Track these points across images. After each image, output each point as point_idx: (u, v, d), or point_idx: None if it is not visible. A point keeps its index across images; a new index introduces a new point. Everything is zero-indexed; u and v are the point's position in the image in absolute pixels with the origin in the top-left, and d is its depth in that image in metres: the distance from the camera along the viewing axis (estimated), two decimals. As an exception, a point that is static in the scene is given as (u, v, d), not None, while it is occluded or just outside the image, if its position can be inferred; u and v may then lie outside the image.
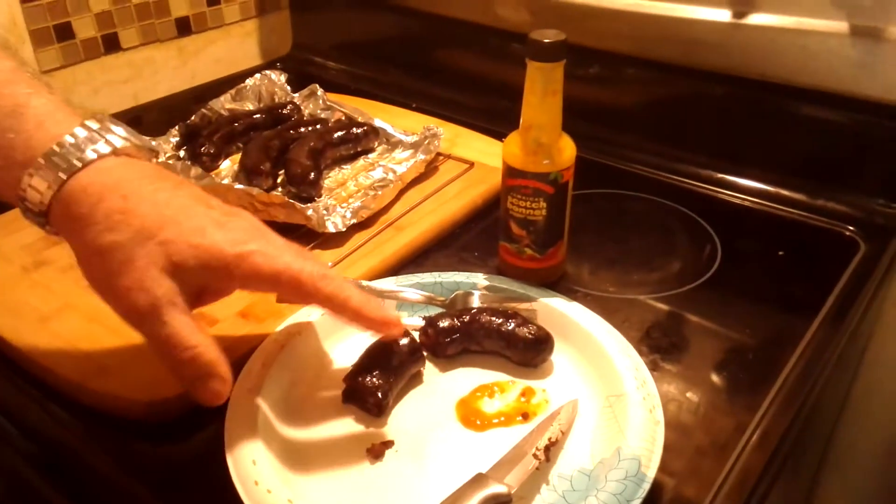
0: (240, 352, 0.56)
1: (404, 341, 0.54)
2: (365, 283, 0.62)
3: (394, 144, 0.86)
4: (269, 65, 1.16)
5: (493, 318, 0.57)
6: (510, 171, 0.61)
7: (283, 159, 0.78)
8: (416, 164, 0.79)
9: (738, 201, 0.80)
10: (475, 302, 0.62)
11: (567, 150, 0.60)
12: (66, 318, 0.60)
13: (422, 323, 0.58)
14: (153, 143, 0.81)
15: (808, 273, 0.69)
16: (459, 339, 0.57)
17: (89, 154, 0.45)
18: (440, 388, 0.56)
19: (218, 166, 0.83)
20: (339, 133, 0.83)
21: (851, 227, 0.74)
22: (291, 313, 0.59)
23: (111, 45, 1.00)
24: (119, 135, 0.47)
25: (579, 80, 0.82)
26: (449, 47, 1.06)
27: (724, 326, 0.62)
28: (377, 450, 0.50)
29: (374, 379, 0.52)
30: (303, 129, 0.85)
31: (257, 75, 0.94)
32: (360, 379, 0.53)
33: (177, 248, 0.44)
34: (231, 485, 0.46)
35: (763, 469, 0.49)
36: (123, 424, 0.53)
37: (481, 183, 0.79)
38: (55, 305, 0.61)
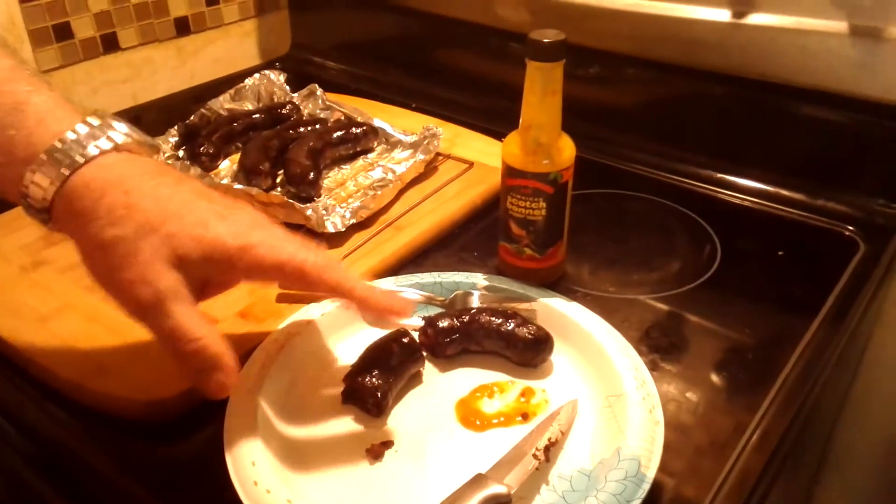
0: (240, 352, 0.55)
1: (404, 341, 0.54)
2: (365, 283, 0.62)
3: (393, 144, 0.86)
4: (269, 65, 1.16)
5: (493, 319, 0.57)
6: (510, 171, 0.61)
7: (283, 159, 0.78)
8: (416, 164, 0.79)
9: (737, 201, 0.80)
10: (475, 302, 0.62)
11: (567, 149, 0.60)
12: (65, 318, 0.60)
13: (421, 323, 0.58)
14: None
15: (808, 273, 0.69)
16: (459, 339, 0.57)
17: (91, 150, 0.45)
18: (440, 388, 0.56)
19: (217, 166, 0.83)
20: (339, 133, 0.83)
21: (851, 227, 0.74)
22: (291, 313, 0.59)
23: (110, 44, 1.00)
24: (121, 131, 0.47)
25: (579, 80, 0.82)
26: (449, 47, 1.05)
27: (724, 326, 0.62)
28: (377, 450, 0.50)
29: (374, 379, 0.52)
30: (302, 129, 0.85)
31: (256, 75, 0.94)
32: (359, 379, 0.53)
33: (180, 241, 0.44)
34: (230, 485, 0.46)
35: (763, 469, 0.49)
36: (122, 424, 0.53)
37: (481, 183, 0.79)
38: (54, 305, 0.61)
